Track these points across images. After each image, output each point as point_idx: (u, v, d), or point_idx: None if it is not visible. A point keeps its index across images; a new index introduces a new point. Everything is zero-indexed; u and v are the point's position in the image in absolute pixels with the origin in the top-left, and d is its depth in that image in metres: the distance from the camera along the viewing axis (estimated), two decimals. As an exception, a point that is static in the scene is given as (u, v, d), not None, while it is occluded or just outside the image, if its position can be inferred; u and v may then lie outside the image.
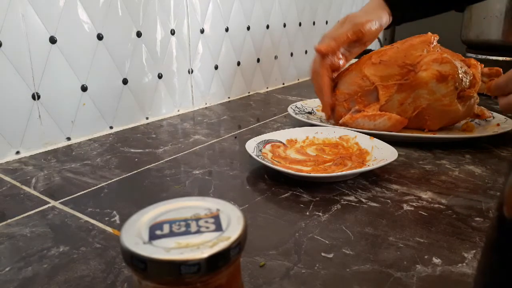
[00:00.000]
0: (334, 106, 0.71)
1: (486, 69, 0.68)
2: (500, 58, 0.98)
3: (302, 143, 0.61)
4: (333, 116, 0.72)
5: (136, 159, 0.59)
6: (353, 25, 0.68)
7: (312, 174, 0.50)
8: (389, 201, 0.46)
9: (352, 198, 0.47)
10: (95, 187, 0.50)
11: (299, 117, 0.73)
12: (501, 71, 0.68)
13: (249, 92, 1.03)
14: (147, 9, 0.74)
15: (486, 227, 0.40)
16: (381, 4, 0.70)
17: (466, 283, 0.33)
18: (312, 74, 0.72)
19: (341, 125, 0.68)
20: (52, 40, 0.61)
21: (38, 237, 0.40)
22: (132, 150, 0.63)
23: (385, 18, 0.70)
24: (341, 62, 0.70)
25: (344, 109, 0.69)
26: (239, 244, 0.19)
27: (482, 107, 0.70)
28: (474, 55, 1.02)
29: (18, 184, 0.52)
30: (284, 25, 1.09)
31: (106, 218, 0.43)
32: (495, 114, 0.71)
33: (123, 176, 0.54)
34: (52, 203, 0.47)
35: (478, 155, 0.60)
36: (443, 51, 0.65)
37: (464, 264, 0.35)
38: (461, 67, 0.63)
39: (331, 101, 0.70)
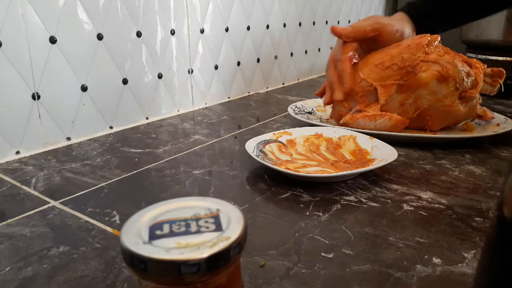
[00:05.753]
0: (353, 91, 0.69)
1: (488, 70, 0.67)
2: (500, 58, 0.98)
3: (302, 143, 0.61)
4: (334, 116, 0.72)
5: (136, 159, 0.59)
6: (375, 22, 0.71)
7: (312, 174, 0.50)
8: (389, 201, 0.46)
9: (352, 198, 0.47)
10: (95, 187, 0.50)
11: (299, 117, 0.73)
12: (504, 71, 0.68)
13: (249, 92, 1.03)
14: (147, 9, 0.74)
15: (486, 227, 0.40)
16: (405, 18, 0.74)
17: (466, 283, 0.33)
18: (330, 62, 0.72)
19: (341, 125, 0.68)
20: (52, 40, 0.61)
21: (38, 237, 0.40)
22: (132, 150, 0.63)
23: (408, 31, 0.72)
24: (356, 55, 0.71)
25: (345, 109, 0.69)
26: (239, 244, 0.19)
27: (485, 107, 0.70)
28: (474, 55, 1.02)
29: (18, 184, 0.52)
30: (284, 25, 1.09)
31: (106, 218, 0.43)
32: (495, 114, 0.71)
33: (123, 176, 0.54)
34: (52, 203, 0.47)
35: (478, 155, 0.60)
36: (445, 51, 0.64)
37: (464, 264, 0.35)
38: (462, 68, 0.63)
39: (352, 86, 0.69)
